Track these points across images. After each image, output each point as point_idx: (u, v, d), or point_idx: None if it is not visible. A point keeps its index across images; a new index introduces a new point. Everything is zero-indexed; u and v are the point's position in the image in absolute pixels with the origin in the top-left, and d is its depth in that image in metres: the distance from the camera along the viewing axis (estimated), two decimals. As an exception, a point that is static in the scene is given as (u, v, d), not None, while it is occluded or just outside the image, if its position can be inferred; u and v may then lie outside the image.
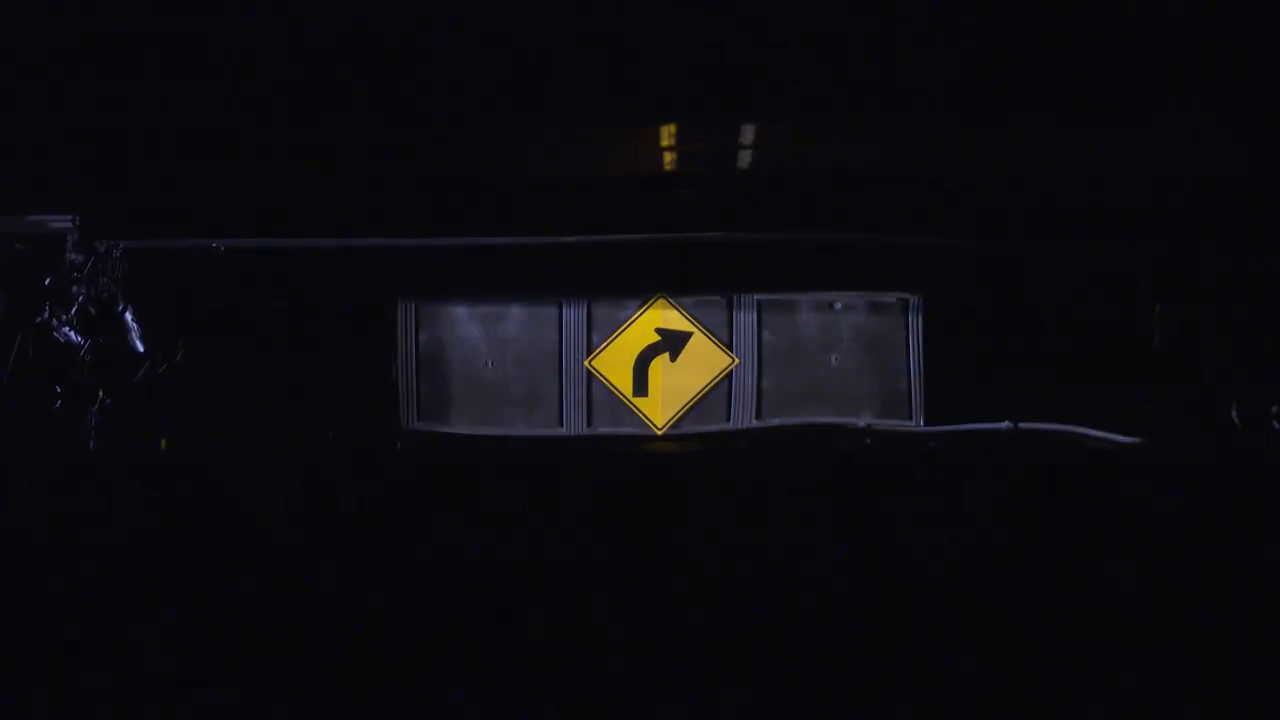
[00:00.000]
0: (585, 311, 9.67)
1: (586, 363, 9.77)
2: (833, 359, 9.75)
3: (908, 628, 6.61)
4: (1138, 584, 6.76)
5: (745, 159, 8.86)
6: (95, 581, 6.62)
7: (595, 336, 9.73)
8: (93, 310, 8.59)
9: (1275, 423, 7.63)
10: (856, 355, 9.40)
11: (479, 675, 6.55)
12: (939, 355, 9.21)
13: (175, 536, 6.79)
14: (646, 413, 9.73)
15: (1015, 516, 7.16)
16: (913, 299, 9.46)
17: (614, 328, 9.76)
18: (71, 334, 8.48)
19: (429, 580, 6.72)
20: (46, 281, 8.44)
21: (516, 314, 9.77)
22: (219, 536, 6.88)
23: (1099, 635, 6.62)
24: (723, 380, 9.75)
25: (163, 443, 8.63)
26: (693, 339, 9.85)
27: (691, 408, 9.68)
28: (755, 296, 9.73)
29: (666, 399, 9.78)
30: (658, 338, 9.88)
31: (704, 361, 9.78)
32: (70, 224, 8.50)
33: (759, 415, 9.69)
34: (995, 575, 6.93)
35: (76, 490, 6.92)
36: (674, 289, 9.76)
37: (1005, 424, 9.23)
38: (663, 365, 9.86)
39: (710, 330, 9.79)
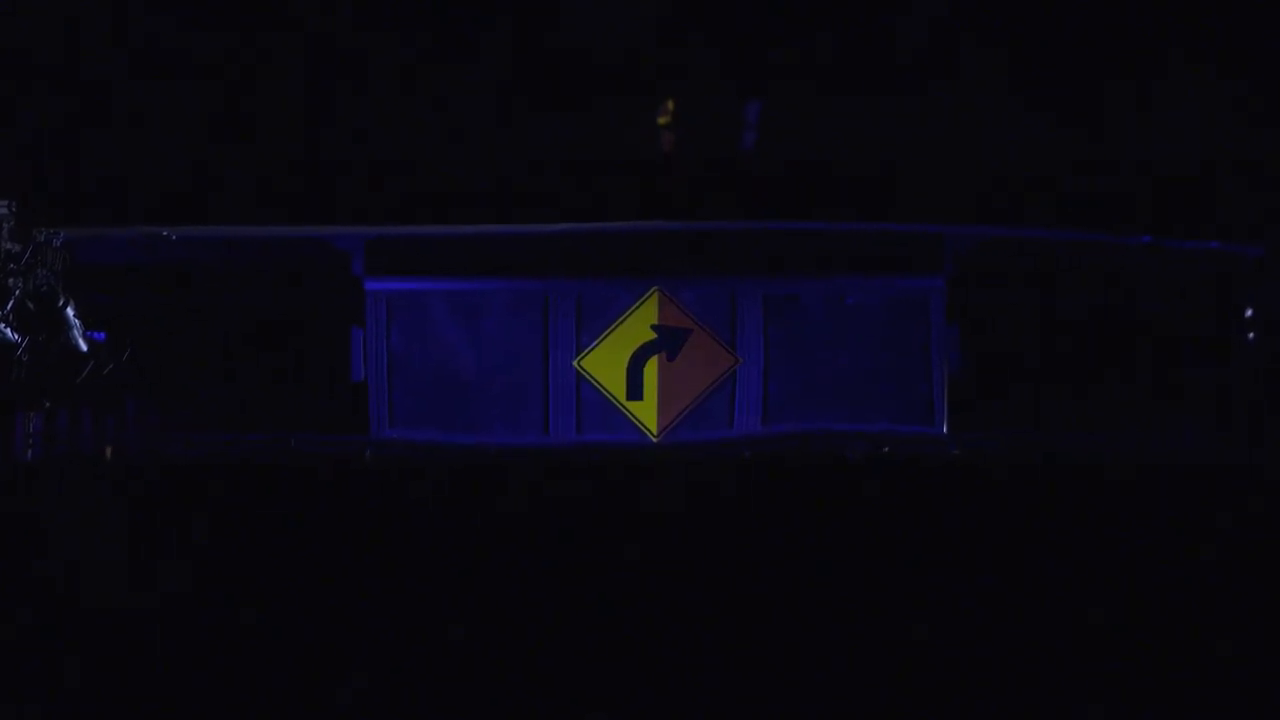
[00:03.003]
0: (574, 307, 9.60)
1: (575, 363, 9.63)
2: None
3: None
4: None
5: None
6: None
7: (584, 334, 9.61)
8: (31, 305, 8.40)
9: None
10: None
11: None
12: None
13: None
14: (641, 418, 9.64)
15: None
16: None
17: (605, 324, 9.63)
18: (8, 331, 8.31)
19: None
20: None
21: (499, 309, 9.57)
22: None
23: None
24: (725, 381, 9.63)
25: (108, 450, 8.47)
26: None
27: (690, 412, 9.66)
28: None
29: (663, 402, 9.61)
30: (653, 335, 9.64)
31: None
32: (5, 210, 8.36)
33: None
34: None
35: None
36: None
37: None
38: (659, 365, 9.63)
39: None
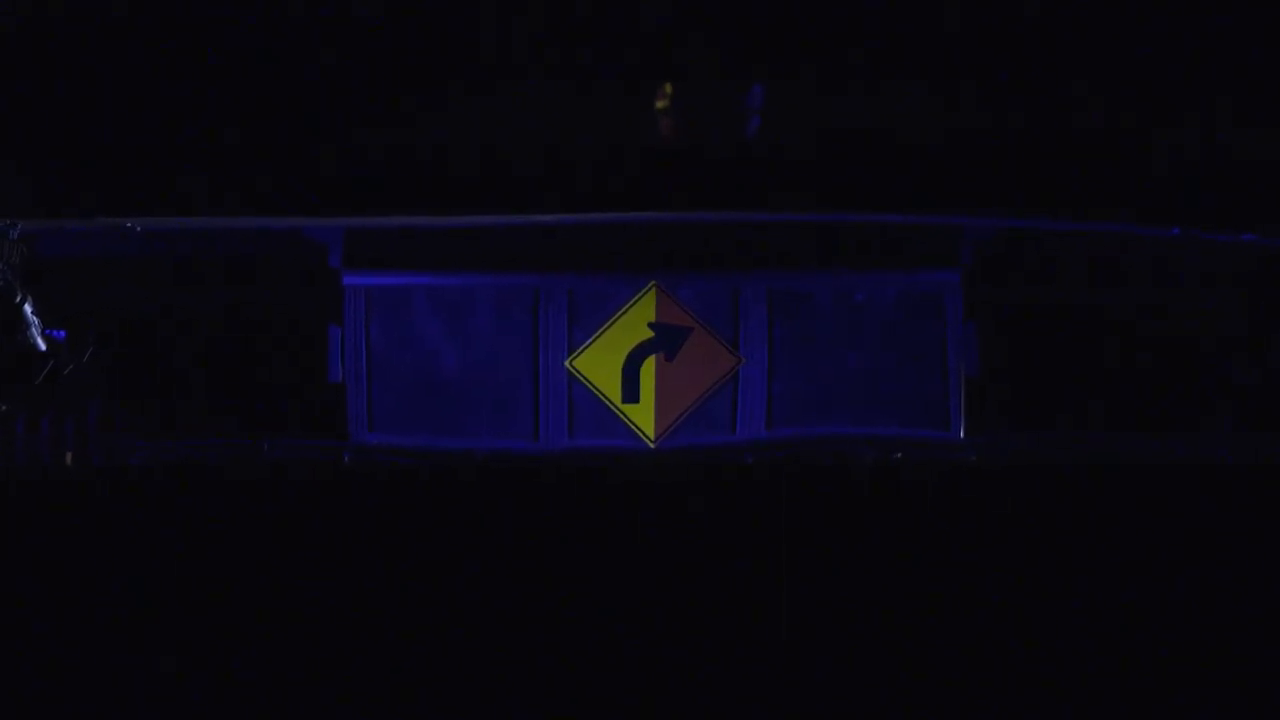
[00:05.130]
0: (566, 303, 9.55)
1: (567, 363, 9.62)
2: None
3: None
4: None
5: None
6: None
7: (577, 332, 9.58)
8: (-14, 303, 8.46)
9: None
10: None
11: None
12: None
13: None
14: (638, 422, 9.62)
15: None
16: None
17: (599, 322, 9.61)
18: (-39, 330, 8.27)
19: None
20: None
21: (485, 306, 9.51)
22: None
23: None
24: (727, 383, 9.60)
25: (68, 456, 8.50)
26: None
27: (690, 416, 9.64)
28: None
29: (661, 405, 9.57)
30: (650, 334, 9.61)
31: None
32: (-42, 202, 8.32)
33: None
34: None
35: None
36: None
37: None
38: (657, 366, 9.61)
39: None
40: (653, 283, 9.49)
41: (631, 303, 9.48)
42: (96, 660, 6.13)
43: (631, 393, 9.46)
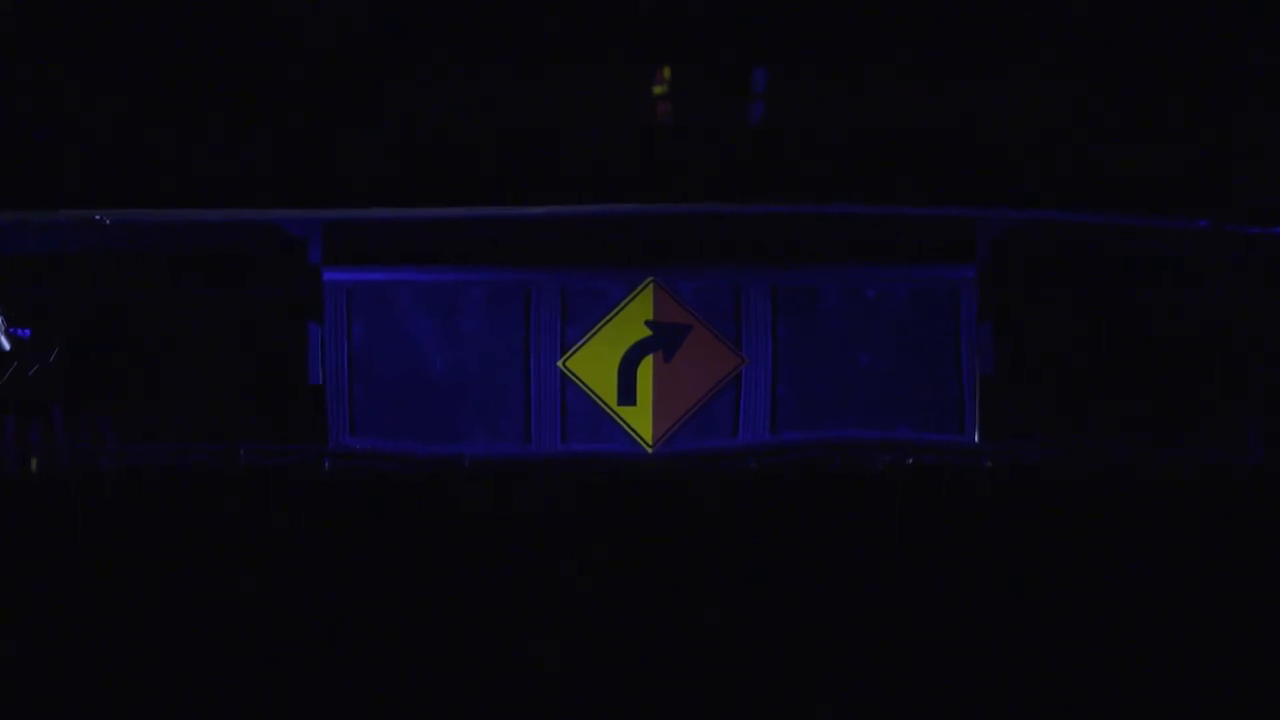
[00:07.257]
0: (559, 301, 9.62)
1: (561, 363, 9.68)
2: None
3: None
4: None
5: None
6: None
7: (570, 331, 9.66)
8: (-52, 301, 8.56)
9: None
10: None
11: None
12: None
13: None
14: (635, 426, 9.68)
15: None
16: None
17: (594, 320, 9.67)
18: (-78, 329, 8.37)
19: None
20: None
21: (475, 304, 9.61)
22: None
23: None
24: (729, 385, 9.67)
25: (33, 462, 8.52)
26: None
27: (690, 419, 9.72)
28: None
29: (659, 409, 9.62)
30: (648, 332, 9.66)
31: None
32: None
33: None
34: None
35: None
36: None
37: None
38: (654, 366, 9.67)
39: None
40: (650, 279, 9.55)
41: (628, 300, 9.54)
42: (80, 660, 6.07)
43: (628, 394, 9.51)
